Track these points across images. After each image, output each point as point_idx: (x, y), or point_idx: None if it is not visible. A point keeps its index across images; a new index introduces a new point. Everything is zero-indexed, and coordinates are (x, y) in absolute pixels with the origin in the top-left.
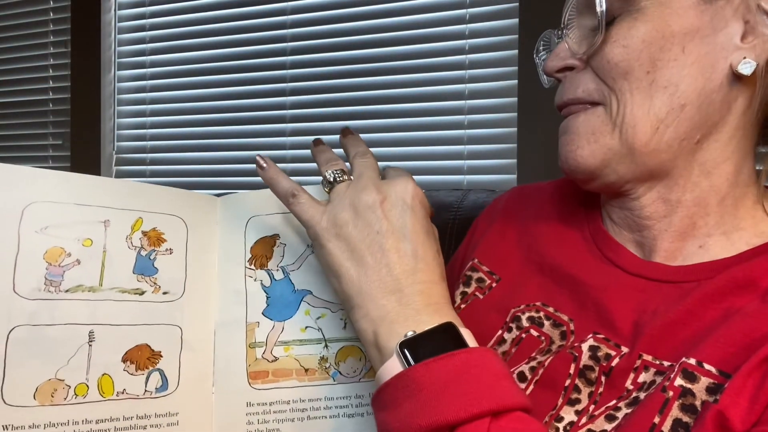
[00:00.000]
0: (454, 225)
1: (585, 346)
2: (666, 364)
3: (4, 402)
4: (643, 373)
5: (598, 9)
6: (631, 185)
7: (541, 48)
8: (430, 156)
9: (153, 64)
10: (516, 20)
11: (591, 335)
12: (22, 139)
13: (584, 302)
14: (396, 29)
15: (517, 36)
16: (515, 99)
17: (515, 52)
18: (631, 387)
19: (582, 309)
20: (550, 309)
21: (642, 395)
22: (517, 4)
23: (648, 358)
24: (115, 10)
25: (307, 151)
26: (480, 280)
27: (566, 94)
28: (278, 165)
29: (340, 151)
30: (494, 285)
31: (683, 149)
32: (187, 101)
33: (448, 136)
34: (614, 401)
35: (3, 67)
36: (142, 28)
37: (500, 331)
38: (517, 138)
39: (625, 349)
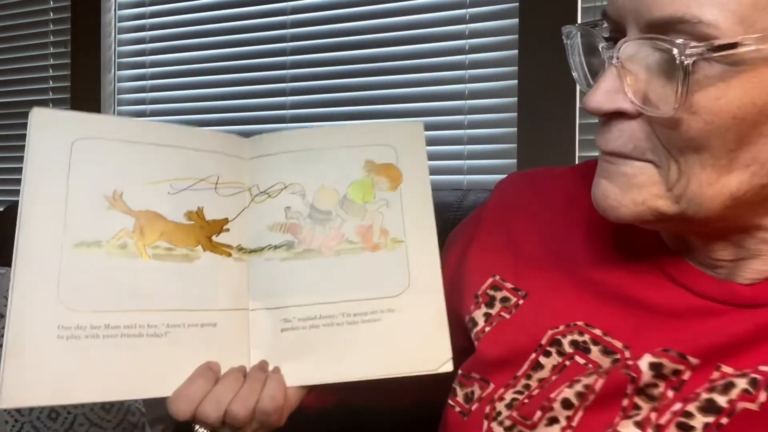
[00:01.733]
0: (454, 225)
1: (643, 364)
2: (748, 371)
3: None
4: (721, 381)
5: (678, 65)
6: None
7: (574, 34)
8: (430, 156)
9: (153, 64)
10: (516, 20)
11: (648, 353)
12: (23, 140)
13: (643, 326)
14: (396, 29)
15: (517, 36)
16: (515, 99)
17: (515, 52)
18: (699, 390)
19: (639, 333)
20: (597, 331)
21: (720, 399)
22: (517, 4)
23: (728, 369)
24: (115, 10)
25: None
26: (504, 300)
27: (611, 144)
28: None
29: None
30: (521, 302)
31: (755, 215)
32: (187, 101)
33: (448, 136)
34: (680, 404)
35: (3, 67)
36: (142, 28)
37: (534, 355)
38: (517, 138)
39: (694, 360)
